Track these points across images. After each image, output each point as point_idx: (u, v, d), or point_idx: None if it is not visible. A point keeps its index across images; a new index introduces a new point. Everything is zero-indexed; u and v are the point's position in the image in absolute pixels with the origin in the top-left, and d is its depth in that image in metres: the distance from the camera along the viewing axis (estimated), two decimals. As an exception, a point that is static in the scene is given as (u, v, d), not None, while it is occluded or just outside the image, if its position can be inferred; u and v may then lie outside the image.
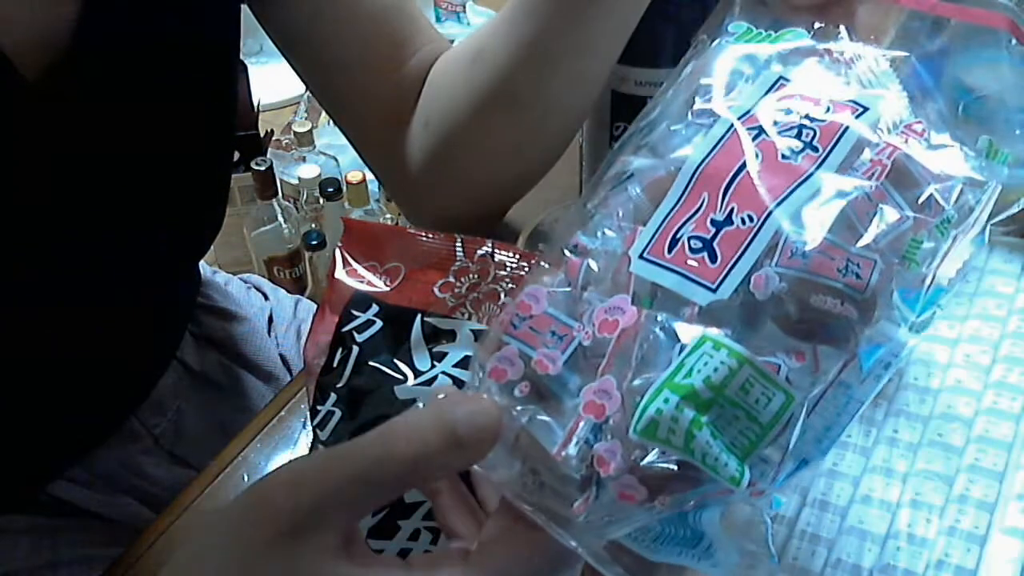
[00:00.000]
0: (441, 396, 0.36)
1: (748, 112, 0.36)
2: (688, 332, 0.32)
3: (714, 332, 0.32)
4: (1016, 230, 0.61)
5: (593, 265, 0.35)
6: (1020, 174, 0.36)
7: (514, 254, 0.52)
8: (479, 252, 0.52)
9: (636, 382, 0.32)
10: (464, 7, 2.20)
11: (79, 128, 0.56)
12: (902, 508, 0.47)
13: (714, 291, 0.32)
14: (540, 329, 0.34)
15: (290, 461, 0.33)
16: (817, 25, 0.39)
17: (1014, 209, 0.37)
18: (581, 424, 0.32)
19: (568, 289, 0.35)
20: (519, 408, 0.33)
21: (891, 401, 0.51)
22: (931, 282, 0.34)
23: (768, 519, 0.34)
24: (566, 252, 0.36)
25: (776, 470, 0.32)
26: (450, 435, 0.32)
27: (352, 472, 0.31)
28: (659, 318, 0.32)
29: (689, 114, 0.37)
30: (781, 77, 0.37)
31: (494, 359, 0.34)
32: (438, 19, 2.19)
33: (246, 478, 0.56)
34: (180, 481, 0.67)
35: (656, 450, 0.31)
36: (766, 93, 0.36)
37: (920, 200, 0.34)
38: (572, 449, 0.32)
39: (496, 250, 0.52)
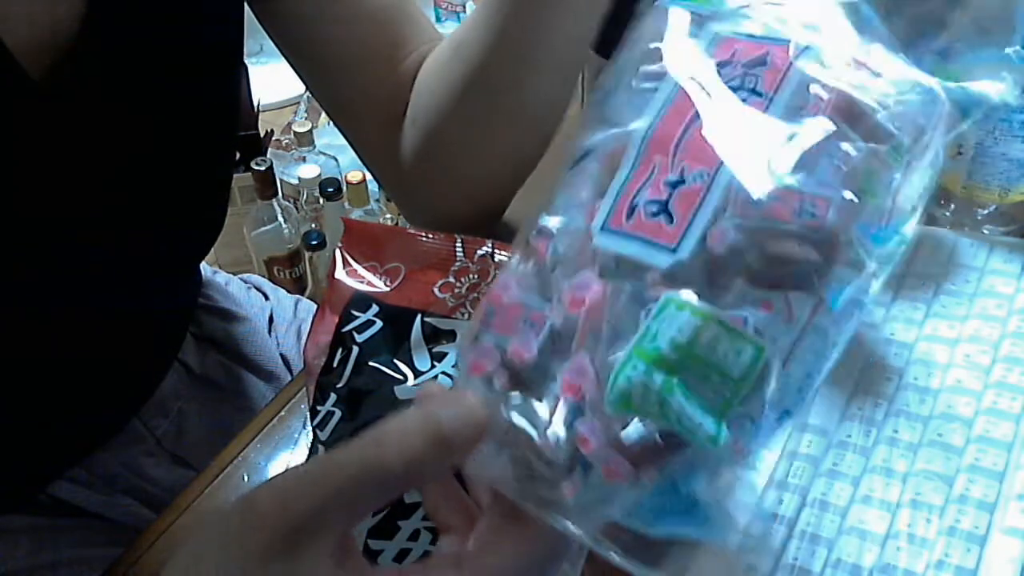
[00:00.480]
0: (426, 395, 0.36)
1: (691, 70, 0.35)
2: (654, 297, 0.31)
3: (675, 293, 0.31)
4: (1016, 230, 0.61)
5: (559, 246, 0.35)
6: (962, 94, 0.35)
7: (514, 254, 0.52)
8: (479, 252, 0.52)
9: (609, 356, 0.31)
10: (464, 7, 2.20)
11: (83, 128, 0.56)
12: (902, 508, 0.47)
13: (674, 252, 0.32)
14: (513, 318, 0.34)
15: (283, 472, 0.33)
16: None
17: (964, 126, 0.36)
18: (561, 406, 0.32)
19: (537, 274, 0.35)
20: (502, 400, 0.33)
21: (891, 401, 0.51)
22: (890, 212, 0.34)
23: (748, 473, 0.33)
24: (530, 237, 0.36)
25: (757, 425, 0.32)
26: (437, 437, 0.32)
27: (344, 482, 0.31)
28: (625, 288, 0.32)
29: (634, 81, 0.37)
30: (721, 32, 0.36)
31: (472, 354, 0.34)
32: (438, 19, 2.19)
33: (246, 478, 0.56)
34: (181, 482, 0.67)
35: (635, 422, 0.31)
36: (707, 48, 0.36)
37: (870, 130, 0.33)
38: (556, 433, 0.32)
39: (496, 250, 0.52)
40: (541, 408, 0.32)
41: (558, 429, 0.32)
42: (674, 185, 0.33)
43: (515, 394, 0.33)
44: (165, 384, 0.74)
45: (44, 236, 0.57)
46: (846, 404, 0.51)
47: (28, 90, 0.52)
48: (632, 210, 0.33)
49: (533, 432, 0.32)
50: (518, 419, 0.33)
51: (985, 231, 0.61)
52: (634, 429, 0.31)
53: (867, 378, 0.52)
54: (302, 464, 0.34)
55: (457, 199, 0.67)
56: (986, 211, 0.62)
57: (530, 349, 0.33)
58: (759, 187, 0.32)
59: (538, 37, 0.59)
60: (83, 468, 0.70)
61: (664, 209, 0.32)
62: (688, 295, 0.31)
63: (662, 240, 0.32)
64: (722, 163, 0.32)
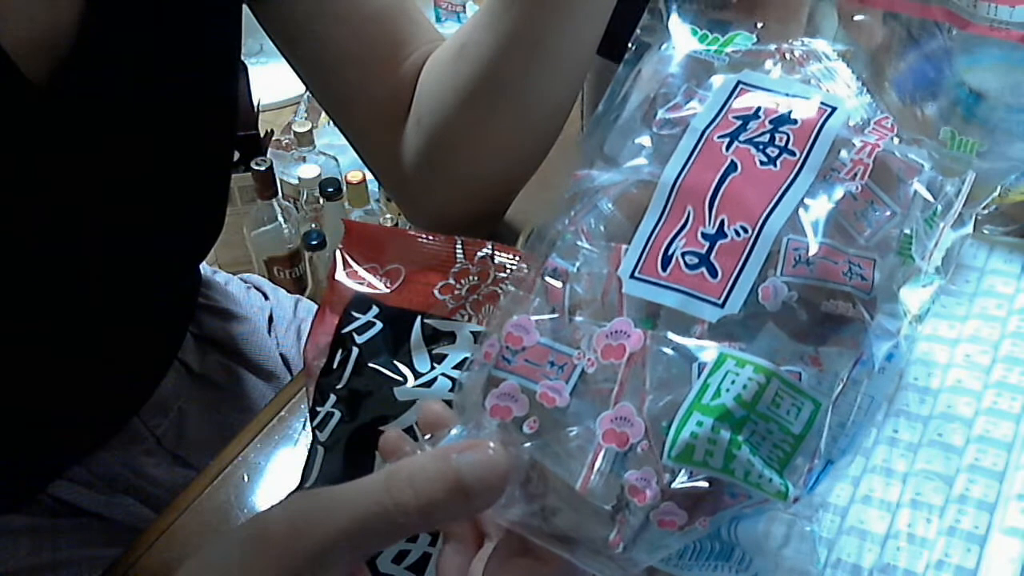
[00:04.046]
0: (428, 438, 0.34)
1: (714, 120, 0.35)
2: (704, 350, 0.31)
3: (731, 348, 0.31)
4: (1016, 230, 0.61)
5: (578, 288, 0.34)
6: (988, 167, 0.36)
7: (514, 256, 0.52)
8: (479, 254, 0.52)
9: (656, 406, 0.31)
10: (464, 7, 2.19)
11: (81, 128, 0.56)
12: (902, 508, 0.47)
13: (722, 306, 0.32)
14: (537, 361, 0.33)
15: (296, 496, 0.32)
16: (759, 24, 0.38)
17: (986, 200, 0.37)
18: (601, 454, 0.31)
19: (555, 315, 0.34)
20: (529, 445, 0.32)
21: (891, 401, 0.51)
22: (925, 272, 0.34)
23: (816, 527, 0.33)
24: (546, 278, 0.35)
25: (806, 475, 0.32)
26: (455, 485, 0.31)
27: (356, 518, 0.31)
28: (669, 338, 0.32)
29: (652, 125, 0.37)
30: (740, 82, 0.36)
31: (493, 397, 0.33)
32: (438, 19, 2.19)
33: (246, 478, 0.56)
34: (181, 482, 0.67)
35: (683, 471, 0.30)
36: (728, 99, 0.36)
37: (905, 195, 0.34)
38: (596, 481, 0.31)
39: (496, 252, 0.52)
40: (572, 456, 0.32)
41: (599, 477, 0.31)
42: (713, 238, 0.33)
43: (542, 440, 0.32)
44: (165, 384, 0.74)
45: (43, 237, 0.57)
46: (846, 404, 0.51)
47: (26, 91, 0.52)
48: (667, 260, 0.33)
49: (570, 479, 0.31)
50: (550, 465, 0.32)
51: (985, 231, 0.61)
52: (683, 477, 0.30)
53: (867, 378, 0.53)
54: (316, 491, 0.33)
55: (459, 199, 0.67)
56: (986, 211, 0.62)
57: (561, 394, 0.32)
58: (809, 246, 0.32)
59: (545, 40, 0.59)
60: (83, 468, 0.70)
61: (705, 262, 0.33)
62: (740, 350, 0.31)
63: (706, 293, 0.32)
64: (765, 219, 0.32)
